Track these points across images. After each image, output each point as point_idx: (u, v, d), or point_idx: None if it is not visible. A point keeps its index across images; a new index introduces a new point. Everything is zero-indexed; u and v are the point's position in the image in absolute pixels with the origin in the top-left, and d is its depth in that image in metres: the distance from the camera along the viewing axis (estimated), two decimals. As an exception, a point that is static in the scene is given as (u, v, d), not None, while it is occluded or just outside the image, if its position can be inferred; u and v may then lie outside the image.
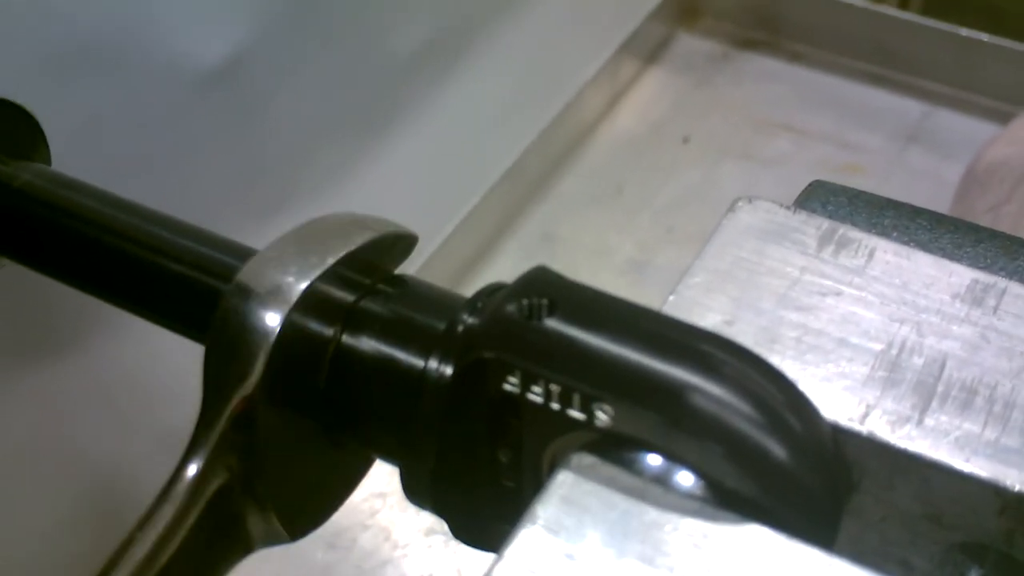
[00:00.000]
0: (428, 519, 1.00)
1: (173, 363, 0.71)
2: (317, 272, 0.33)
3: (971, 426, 0.28)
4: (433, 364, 0.31)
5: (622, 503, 0.26)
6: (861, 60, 1.50)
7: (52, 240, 0.43)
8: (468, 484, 0.32)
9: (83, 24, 0.63)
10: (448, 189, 1.18)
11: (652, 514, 0.26)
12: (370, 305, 0.34)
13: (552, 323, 0.28)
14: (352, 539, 1.00)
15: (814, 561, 0.25)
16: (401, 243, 0.36)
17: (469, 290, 0.33)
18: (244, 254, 0.38)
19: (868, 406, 0.29)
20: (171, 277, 0.39)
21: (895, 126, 1.42)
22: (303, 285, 0.32)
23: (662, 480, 0.27)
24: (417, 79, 1.03)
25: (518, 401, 0.29)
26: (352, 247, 0.34)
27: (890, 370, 0.30)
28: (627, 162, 1.38)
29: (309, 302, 0.32)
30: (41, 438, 0.72)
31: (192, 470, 0.32)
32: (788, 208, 0.34)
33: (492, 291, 0.32)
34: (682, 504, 0.26)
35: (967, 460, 0.27)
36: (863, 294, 0.32)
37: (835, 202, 0.39)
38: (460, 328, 0.31)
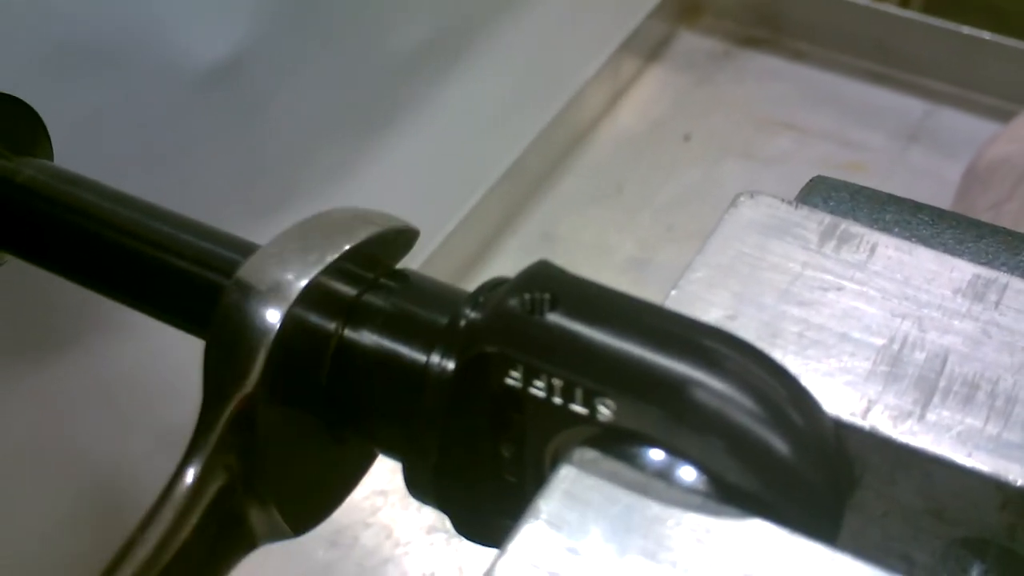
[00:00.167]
0: (430, 517, 1.00)
1: (173, 361, 0.71)
2: (318, 268, 0.33)
3: (973, 421, 0.28)
4: (435, 359, 0.31)
5: (625, 498, 0.26)
6: (863, 58, 1.50)
7: (55, 235, 0.43)
8: (471, 479, 0.32)
9: (85, 22, 0.64)
10: (448, 188, 1.18)
11: (655, 509, 0.26)
12: (372, 299, 0.34)
13: (554, 317, 0.28)
14: (354, 537, 1.00)
15: (816, 556, 0.25)
16: (403, 237, 0.36)
17: (470, 289, 0.33)
18: (247, 249, 0.38)
19: (870, 401, 0.29)
20: (173, 272, 0.39)
21: (896, 124, 1.42)
22: (304, 282, 0.32)
23: (665, 475, 0.27)
24: (418, 78, 1.03)
25: (520, 396, 0.29)
26: (354, 242, 0.34)
27: (892, 365, 0.29)
28: (628, 160, 1.38)
29: (310, 298, 0.32)
30: (41, 437, 0.72)
31: (192, 471, 0.32)
32: (790, 203, 0.34)
33: (494, 285, 0.32)
34: (685, 499, 0.26)
35: (969, 455, 0.27)
36: (865, 289, 0.32)
37: (837, 197, 0.39)
38: (463, 322, 0.31)
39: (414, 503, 0.33)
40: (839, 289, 0.32)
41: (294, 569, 0.97)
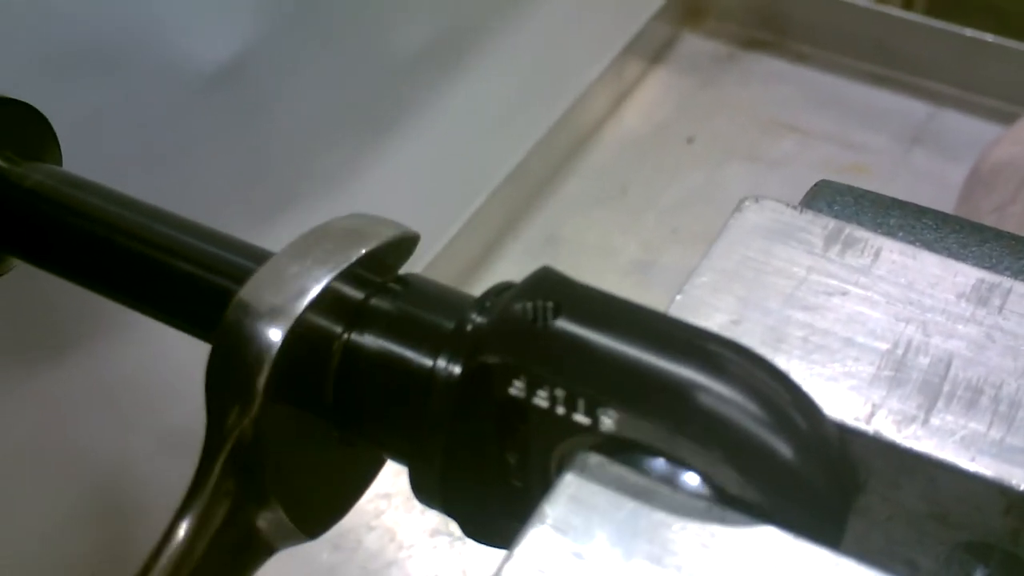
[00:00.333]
0: (434, 520, 1.00)
1: (175, 363, 0.72)
2: (321, 284, 0.33)
3: (977, 425, 0.28)
4: (442, 363, 0.31)
5: (630, 502, 0.26)
6: (866, 61, 1.50)
7: (63, 240, 0.43)
8: (477, 484, 0.32)
9: (87, 24, 0.64)
10: (452, 190, 1.18)
11: (660, 513, 0.26)
12: (378, 304, 0.34)
13: (557, 327, 0.28)
14: (357, 540, 1.00)
15: (821, 560, 0.25)
16: (405, 243, 0.36)
17: (473, 292, 0.33)
18: (253, 254, 0.38)
19: (874, 405, 0.29)
20: (181, 276, 0.40)
21: (900, 127, 1.42)
22: (306, 301, 0.32)
23: (670, 480, 0.27)
24: (421, 80, 1.03)
25: (524, 405, 0.29)
26: (356, 255, 0.34)
27: (896, 369, 0.30)
28: (632, 163, 1.38)
29: (319, 306, 0.32)
30: (43, 438, 0.72)
31: (200, 501, 0.32)
32: (794, 208, 0.34)
33: (501, 290, 0.32)
34: (690, 504, 0.26)
35: (973, 459, 0.27)
36: (869, 294, 0.32)
37: (841, 202, 0.39)
38: (469, 327, 0.31)
39: (418, 506, 0.34)
40: (843, 294, 0.32)
41: (297, 572, 0.97)
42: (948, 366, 0.30)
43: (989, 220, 0.97)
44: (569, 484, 0.27)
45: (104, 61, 0.66)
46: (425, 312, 0.34)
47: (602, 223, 1.30)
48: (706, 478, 0.27)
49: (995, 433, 0.28)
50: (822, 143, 1.40)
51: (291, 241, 0.34)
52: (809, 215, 0.34)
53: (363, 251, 0.34)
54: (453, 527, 0.34)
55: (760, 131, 1.42)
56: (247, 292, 0.33)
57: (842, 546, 0.27)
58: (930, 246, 0.36)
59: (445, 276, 1.13)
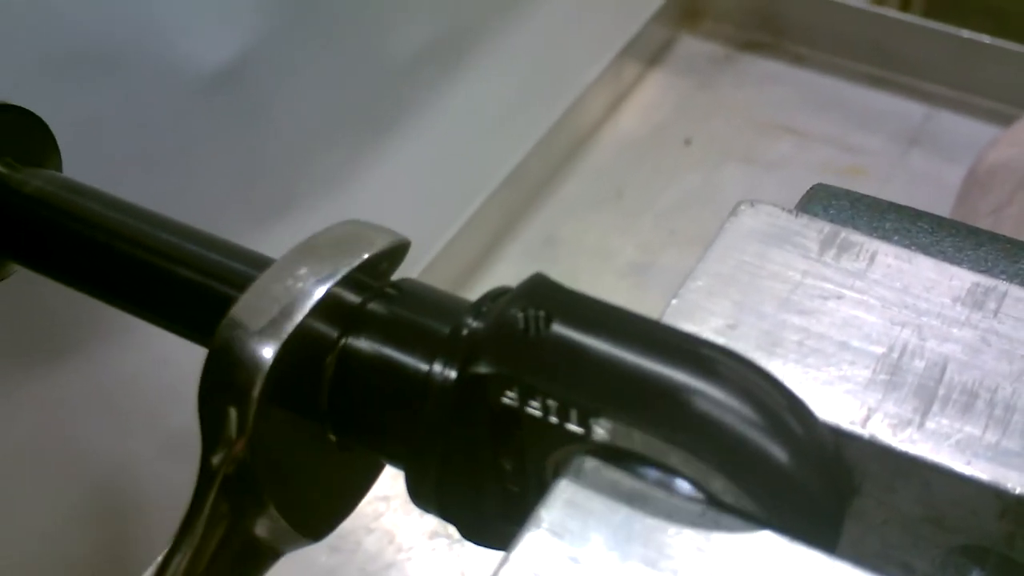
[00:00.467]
0: (432, 522, 1.00)
1: (174, 367, 0.72)
2: (315, 295, 0.33)
3: (972, 429, 0.28)
4: (438, 368, 0.31)
5: (625, 507, 0.27)
6: (863, 62, 1.50)
7: (62, 246, 0.43)
8: (473, 489, 0.32)
9: (87, 26, 0.64)
10: (450, 192, 1.18)
11: (655, 518, 0.26)
12: (373, 309, 0.34)
13: (547, 337, 0.28)
14: (356, 542, 1.00)
15: (816, 564, 0.25)
16: (398, 250, 0.36)
17: (472, 294, 0.34)
18: (253, 260, 0.38)
19: (869, 409, 0.29)
20: (180, 282, 0.40)
21: (897, 128, 1.42)
22: (299, 315, 0.32)
23: (665, 484, 0.27)
24: (419, 82, 1.03)
25: (518, 413, 0.29)
26: (350, 264, 0.34)
27: (891, 373, 0.30)
28: (629, 165, 1.39)
29: (314, 316, 0.32)
30: (44, 441, 0.73)
31: (202, 519, 0.33)
32: (790, 212, 0.34)
33: (497, 295, 0.32)
34: (685, 508, 0.27)
35: (968, 463, 0.27)
36: (864, 297, 0.32)
37: (837, 205, 0.39)
38: (464, 331, 0.31)
39: (416, 508, 0.34)
40: (839, 298, 0.32)
41: (297, 574, 0.97)
42: (943, 370, 0.30)
43: (986, 222, 0.97)
44: (565, 488, 0.27)
45: (103, 63, 0.66)
46: (421, 317, 0.34)
47: (599, 225, 1.30)
48: (700, 487, 0.27)
49: (990, 437, 0.28)
50: (819, 145, 1.40)
51: (288, 250, 0.34)
52: (804, 219, 0.34)
53: (357, 260, 0.34)
54: (452, 530, 0.34)
55: (757, 133, 1.42)
56: (239, 309, 0.33)
57: (837, 550, 0.27)
58: (926, 250, 0.36)
59: (444, 277, 1.14)
